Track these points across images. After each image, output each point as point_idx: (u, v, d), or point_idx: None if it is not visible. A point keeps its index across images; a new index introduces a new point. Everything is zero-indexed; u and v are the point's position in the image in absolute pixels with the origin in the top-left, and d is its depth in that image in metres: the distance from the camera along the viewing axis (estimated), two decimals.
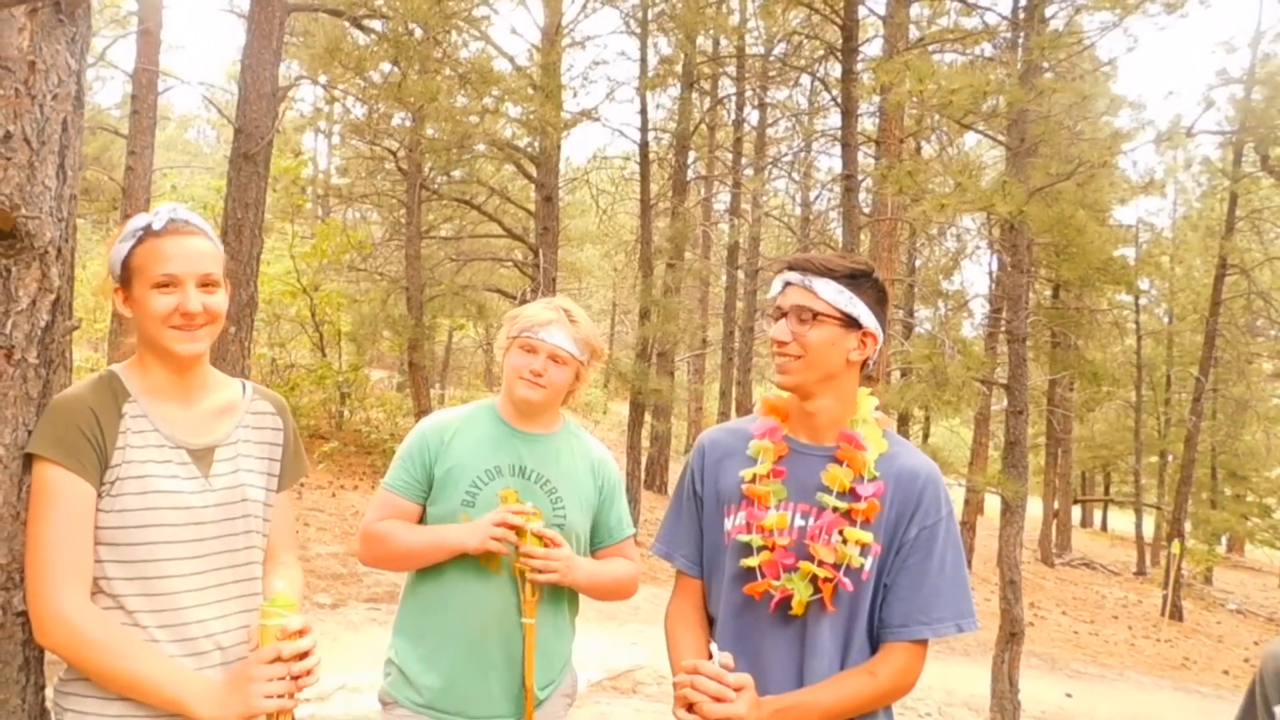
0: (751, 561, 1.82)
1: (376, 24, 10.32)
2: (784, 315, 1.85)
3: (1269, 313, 21.47)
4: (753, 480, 1.87)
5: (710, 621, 1.97)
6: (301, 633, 1.64)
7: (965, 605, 1.81)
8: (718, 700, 1.66)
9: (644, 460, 14.40)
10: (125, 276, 1.68)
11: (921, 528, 1.81)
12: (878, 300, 1.88)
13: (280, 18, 8.61)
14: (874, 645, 1.84)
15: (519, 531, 2.18)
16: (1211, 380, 18.71)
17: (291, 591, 1.71)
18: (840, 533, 1.78)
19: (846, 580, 1.77)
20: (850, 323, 1.84)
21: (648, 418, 14.59)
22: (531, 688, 2.29)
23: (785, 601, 1.80)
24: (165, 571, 1.63)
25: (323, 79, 13.25)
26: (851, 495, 1.81)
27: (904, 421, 22.86)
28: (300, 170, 16.43)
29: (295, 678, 1.62)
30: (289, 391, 14.37)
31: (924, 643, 1.82)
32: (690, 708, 1.68)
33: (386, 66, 11.95)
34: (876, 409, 1.93)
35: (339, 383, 15.34)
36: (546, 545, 2.21)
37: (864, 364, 1.89)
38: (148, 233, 1.67)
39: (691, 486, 2.01)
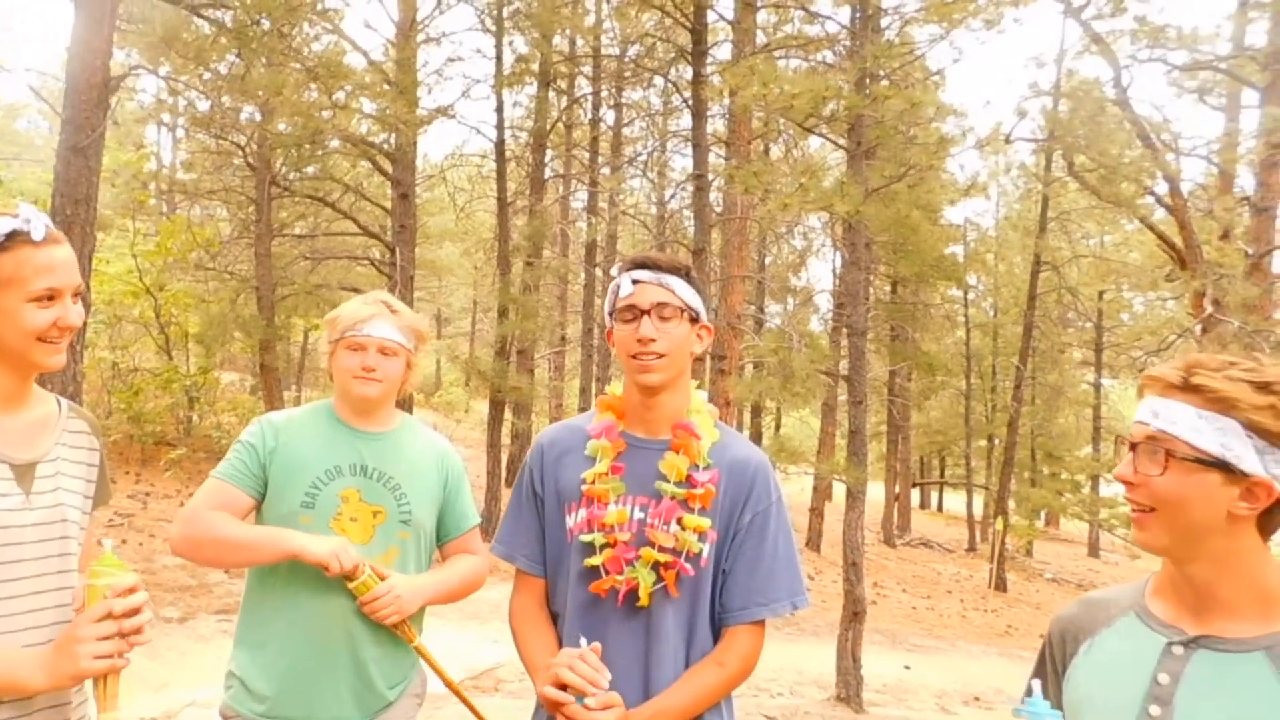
0: (595, 560, 1.84)
1: (223, 13, 9.95)
2: (642, 314, 1.85)
3: (1077, 306, 23.49)
4: (593, 481, 1.88)
5: (554, 617, 1.98)
6: (132, 590, 1.54)
7: (798, 584, 1.90)
8: (591, 684, 1.71)
9: (504, 458, 14.45)
10: None
11: (755, 513, 1.88)
12: (702, 294, 1.94)
13: (111, 3, 8.20)
14: (714, 629, 1.89)
15: (350, 575, 2.18)
16: (1030, 369, 20.28)
17: (118, 553, 1.60)
18: (679, 520, 1.82)
19: (687, 565, 1.81)
20: (694, 317, 1.91)
21: (508, 415, 14.62)
22: (452, 681, 2.39)
23: (632, 593, 1.82)
24: None
25: (164, 70, 12.61)
26: (688, 483, 1.85)
27: (756, 413, 23.77)
28: (142, 164, 15.60)
29: (125, 635, 1.52)
30: (133, 396, 13.63)
31: (763, 623, 1.89)
32: (564, 689, 1.72)
33: (234, 57, 11.53)
34: (707, 400, 1.98)
35: (187, 386, 14.65)
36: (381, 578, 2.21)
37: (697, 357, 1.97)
38: (20, 240, 1.56)
39: (531, 486, 2.00)
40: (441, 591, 2.37)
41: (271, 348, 14.03)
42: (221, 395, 16.00)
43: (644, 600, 1.82)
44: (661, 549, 1.81)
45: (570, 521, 1.91)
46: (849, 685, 7.62)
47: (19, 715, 1.57)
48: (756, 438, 25.66)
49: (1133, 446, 1.32)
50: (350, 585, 2.17)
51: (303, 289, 14.61)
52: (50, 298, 1.58)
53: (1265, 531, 1.27)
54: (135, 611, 1.54)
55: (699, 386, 2.01)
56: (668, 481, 1.86)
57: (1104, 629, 1.41)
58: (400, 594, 2.21)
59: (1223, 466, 1.23)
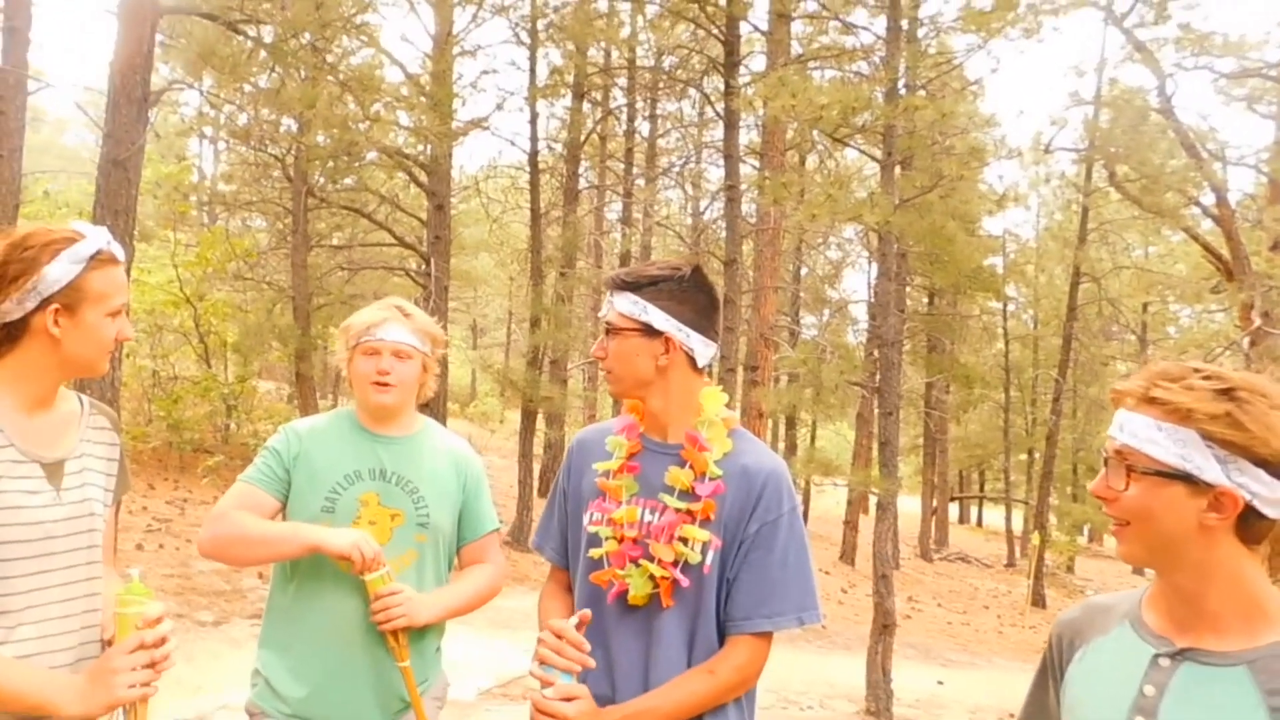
0: (598, 552, 1.88)
1: (261, 29, 10.12)
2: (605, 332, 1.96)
3: (1119, 318, 23.06)
4: (606, 475, 1.94)
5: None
6: (160, 619, 1.64)
7: (808, 599, 1.87)
8: (579, 664, 1.76)
9: (536, 468, 14.50)
10: (72, 298, 1.66)
11: (762, 524, 1.85)
12: (684, 301, 1.91)
13: (152, 20, 8.36)
14: (721, 635, 1.88)
15: (363, 568, 2.16)
16: (1070, 381, 19.96)
17: (143, 580, 1.69)
18: (680, 535, 1.84)
19: (683, 577, 1.82)
20: (650, 331, 1.90)
21: (540, 425, 14.68)
22: (423, 715, 2.29)
23: (625, 592, 1.85)
24: (12, 589, 1.60)
25: (205, 84, 12.88)
26: (692, 495, 1.85)
27: (791, 425, 23.64)
28: (184, 176, 15.89)
29: (154, 664, 1.62)
30: (172, 404, 13.89)
31: (767, 635, 1.87)
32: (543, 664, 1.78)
33: (272, 72, 11.76)
34: (726, 405, 1.97)
35: (225, 395, 14.90)
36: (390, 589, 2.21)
37: (693, 364, 1.93)
38: (108, 260, 1.70)
39: (562, 486, 2.08)
40: (451, 609, 2.37)
41: (307, 357, 14.21)
42: (258, 404, 16.25)
43: (635, 600, 1.85)
44: (660, 562, 1.83)
45: (586, 520, 1.96)
46: (879, 699, 7.57)
47: None
48: (791, 450, 25.49)
49: (1106, 461, 1.31)
50: (366, 577, 2.17)
51: (338, 299, 14.81)
52: (122, 312, 1.74)
53: (1248, 539, 1.24)
54: (164, 640, 1.64)
55: (721, 391, 2.01)
56: (671, 493, 1.87)
57: (1099, 636, 1.40)
58: (411, 597, 2.22)
59: (1185, 478, 1.22)
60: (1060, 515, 19.56)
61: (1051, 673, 1.49)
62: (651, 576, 1.83)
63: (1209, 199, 13.98)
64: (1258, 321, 12.30)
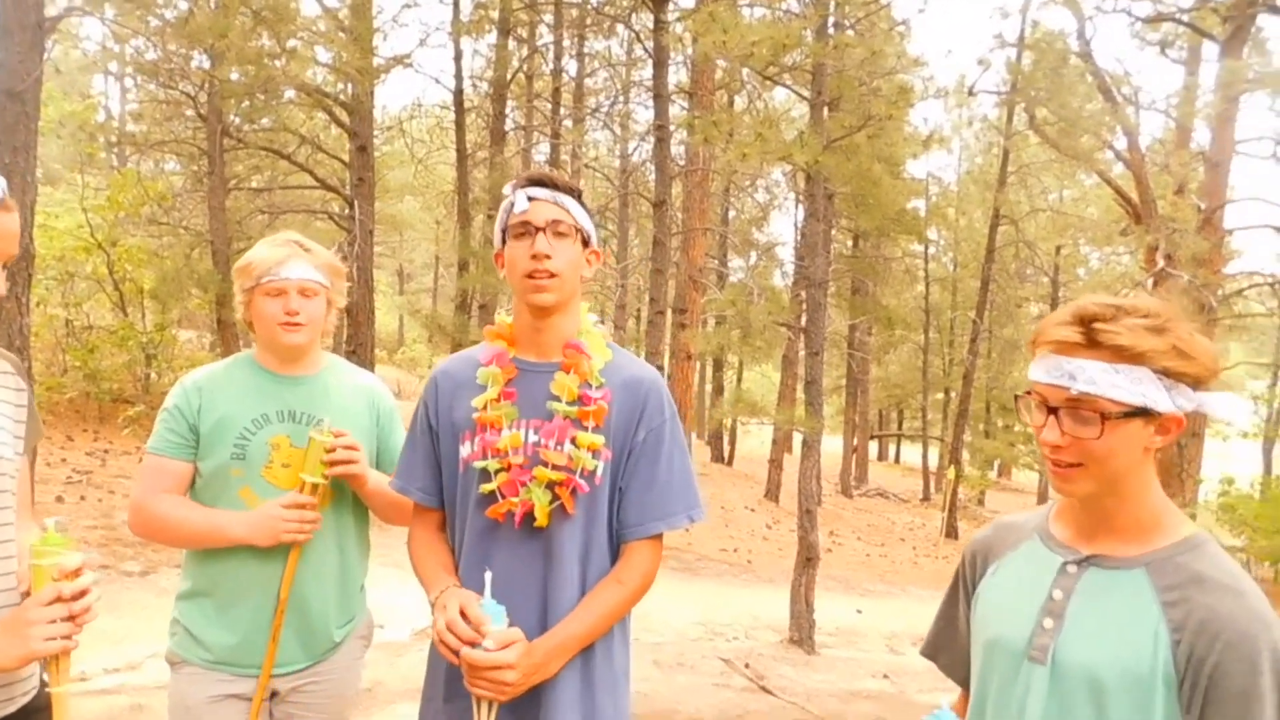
0: (490, 486, 1.83)
1: None
2: (537, 231, 1.82)
3: (1034, 260, 23.73)
4: (484, 408, 1.87)
5: (453, 551, 1.96)
6: (78, 571, 1.56)
7: (693, 499, 1.91)
8: (469, 645, 1.70)
9: None
10: None
11: (648, 430, 1.88)
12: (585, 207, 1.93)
13: None
14: (612, 550, 1.90)
15: (314, 489, 2.20)
16: (987, 322, 20.57)
17: (62, 530, 1.60)
18: (572, 438, 1.82)
19: (582, 482, 1.81)
20: (586, 240, 1.90)
21: None
22: (274, 655, 2.27)
23: (529, 515, 1.81)
24: None
25: (109, 14, 12.18)
26: (581, 401, 1.84)
27: (718, 367, 23.94)
28: (89, 115, 15.05)
29: (74, 617, 1.54)
30: (88, 354, 13.39)
31: (660, 538, 1.90)
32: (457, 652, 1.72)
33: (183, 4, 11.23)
34: (596, 321, 1.97)
35: (143, 344, 14.41)
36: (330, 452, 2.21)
37: None
38: None
39: (426, 419, 1.98)
40: (381, 489, 2.30)
41: (228, 303, 13.79)
42: (179, 352, 15.76)
43: (541, 520, 1.81)
44: (555, 468, 1.81)
45: (464, 451, 1.90)
46: (802, 628, 7.79)
47: None
48: (718, 391, 25.78)
49: (1052, 410, 1.33)
50: (315, 496, 2.21)
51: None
52: None
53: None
54: (84, 593, 1.55)
55: (589, 309, 2.01)
56: (559, 401, 1.85)
57: (1010, 552, 1.51)
58: (357, 457, 2.24)
59: (1143, 413, 1.29)
60: (973, 451, 20.31)
61: (963, 588, 1.58)
62: (550, 486, 1.81)
63: (1121, 143, 14.42)
64: (1161, 263, 12.84)
